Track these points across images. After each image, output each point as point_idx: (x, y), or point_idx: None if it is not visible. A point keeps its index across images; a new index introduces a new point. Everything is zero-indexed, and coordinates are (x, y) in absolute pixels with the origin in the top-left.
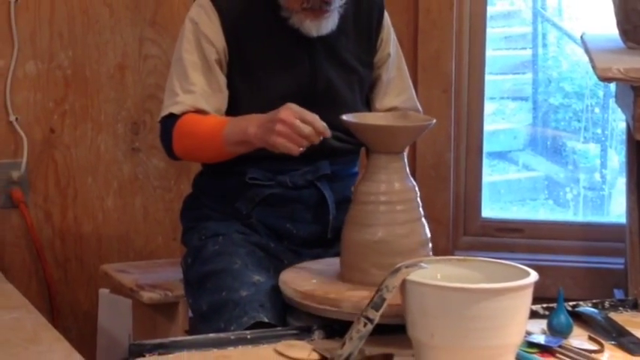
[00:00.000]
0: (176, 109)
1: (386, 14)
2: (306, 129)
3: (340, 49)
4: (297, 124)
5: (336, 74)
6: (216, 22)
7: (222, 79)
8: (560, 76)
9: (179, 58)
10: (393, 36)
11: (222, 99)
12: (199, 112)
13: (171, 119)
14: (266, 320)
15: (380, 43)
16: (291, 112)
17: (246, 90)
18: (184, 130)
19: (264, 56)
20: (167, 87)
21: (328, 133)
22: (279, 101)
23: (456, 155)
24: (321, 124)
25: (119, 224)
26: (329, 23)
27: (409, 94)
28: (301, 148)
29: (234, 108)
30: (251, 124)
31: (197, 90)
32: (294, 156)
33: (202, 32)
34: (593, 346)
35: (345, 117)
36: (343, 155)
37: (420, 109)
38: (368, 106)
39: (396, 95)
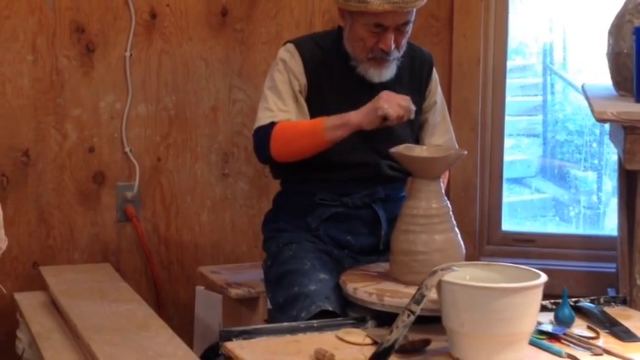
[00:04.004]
0: (275, 119)
1: (434, 70)
2: (404, 101)
3: None
4: (397, 95)
5: None
6: (300, 64)
7: (306, 108)
8: (565, 118)
9: (273, 86)
10: (439, 88)
11: None
12: None
13: (268, 126)
14: (330, 309)
15: (428, 93)
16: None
17: None
18: (285, 126)
19: (336, 95)
20: (261, 106)
21: (413, 113)
22: None
23: (481, 180)
24: (412, 103)
25: (212, 235)
26: (388, 71)
27: (450, 135)
28: (399, 115)
29: None
30: (352, 112)
31: (291, 111)
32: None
33: (290, 69)
34: (591, 334)
35: (393, 150)
36: (394, 182)
37: (457, 145)
38: (417, 142)
39: (441, 136)
